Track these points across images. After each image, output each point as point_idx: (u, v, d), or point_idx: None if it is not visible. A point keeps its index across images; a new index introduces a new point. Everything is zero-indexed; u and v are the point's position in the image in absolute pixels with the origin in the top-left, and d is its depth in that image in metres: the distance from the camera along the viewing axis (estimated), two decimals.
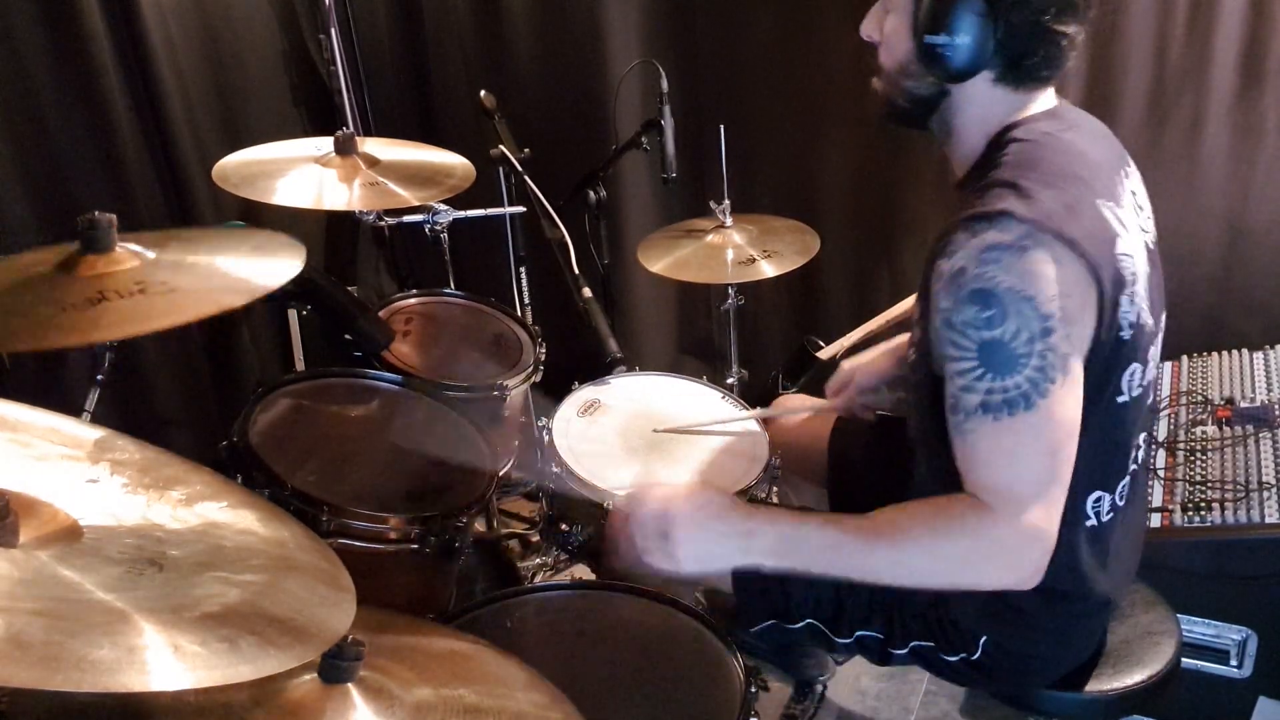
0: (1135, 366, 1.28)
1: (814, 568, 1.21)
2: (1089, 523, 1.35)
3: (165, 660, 0.73)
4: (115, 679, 0.69)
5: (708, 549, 1.24)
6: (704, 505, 1.27)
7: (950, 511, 1.19)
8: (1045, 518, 1.16)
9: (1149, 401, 1.39)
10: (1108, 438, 1.32)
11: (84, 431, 1.03)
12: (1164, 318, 1.39)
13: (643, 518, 1.27)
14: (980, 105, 1.31)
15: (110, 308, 1.21)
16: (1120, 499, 1.38)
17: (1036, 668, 1.44)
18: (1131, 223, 1.28)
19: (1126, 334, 1.23)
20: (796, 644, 1.49)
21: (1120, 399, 1.28)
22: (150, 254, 1.33)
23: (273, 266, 1.38)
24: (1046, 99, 1.33)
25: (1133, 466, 1.39)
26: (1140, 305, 1.26)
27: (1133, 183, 1.39)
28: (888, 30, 1.34)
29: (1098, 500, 1.35)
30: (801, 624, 1.47)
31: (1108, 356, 1.23)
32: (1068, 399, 1.16)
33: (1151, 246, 1.36)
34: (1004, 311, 1.13)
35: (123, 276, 1.27)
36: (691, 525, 1.25)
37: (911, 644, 1.44)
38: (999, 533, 1.16)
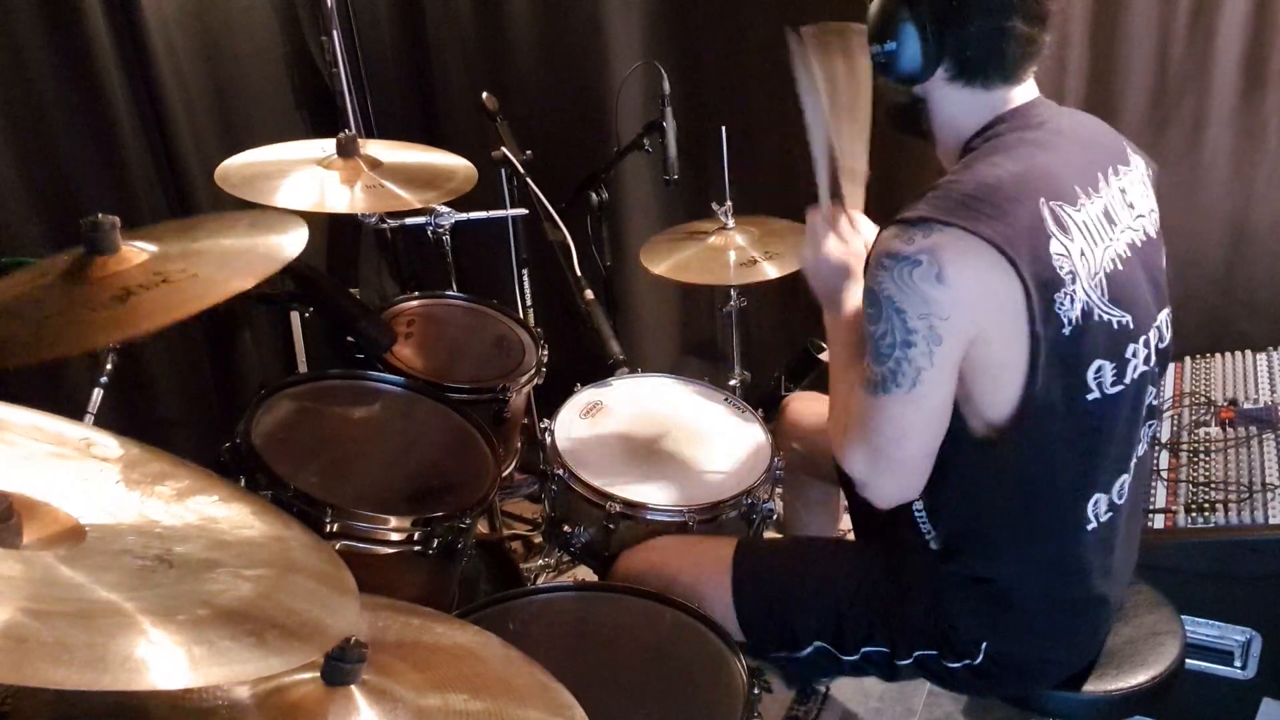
0: (1101, 363, 1.28)
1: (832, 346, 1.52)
2: (1089, 526, 1.36)
3: (181, 659, 0.73)
4: (127, 678, 0.69)
5: (824, 283, 1.53)
6: (841, 269, 1.50)
7: (847, 406, 1.36)
8: (864, 469, 1.32)
9: (1146, 401, 1.39)
10: (1089, 437, 1.32)
11: (66, 428, 1.02)
12: (1161, 316, 1.39)
13: (820, 236, 1.54)
14: (950, 109, 1.35)
15: (142, 300, 1.21)
16: (1119, 497, 1.38)
17: (1039, 671, 1.44)
18: (1096, 223, 1.30)
19: (1068, 330, 1.24)
20: (809, 669, 1.52)
21: (1090, 396, 1.29)
22: (154, 247, 1.33)
23: (280, 240, 1.38)
24: (1023, 93, 1.34)
25: (1132, 463, 1.40)
26: (1089, 302, 1.26)
27: (1124, 180, 1.39)
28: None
29: (1095, 503, 1.35)
30: (809, 649, 1.49)
31: (1055, 354, 1.24)
32: (909, 407, 1.26)
33: (1141, 243, 1.37)
34: (879, 313, 1.25)
35: (138, 271, 1.27)
36: (826, 265, 1.52)
37: (915, 653, 1.45)
38: (846, 442, 1.34)
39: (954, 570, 1.41)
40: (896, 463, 1.31)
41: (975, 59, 1.30)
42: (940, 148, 1.41)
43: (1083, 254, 1.27)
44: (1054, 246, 1.24)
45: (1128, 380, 1.33)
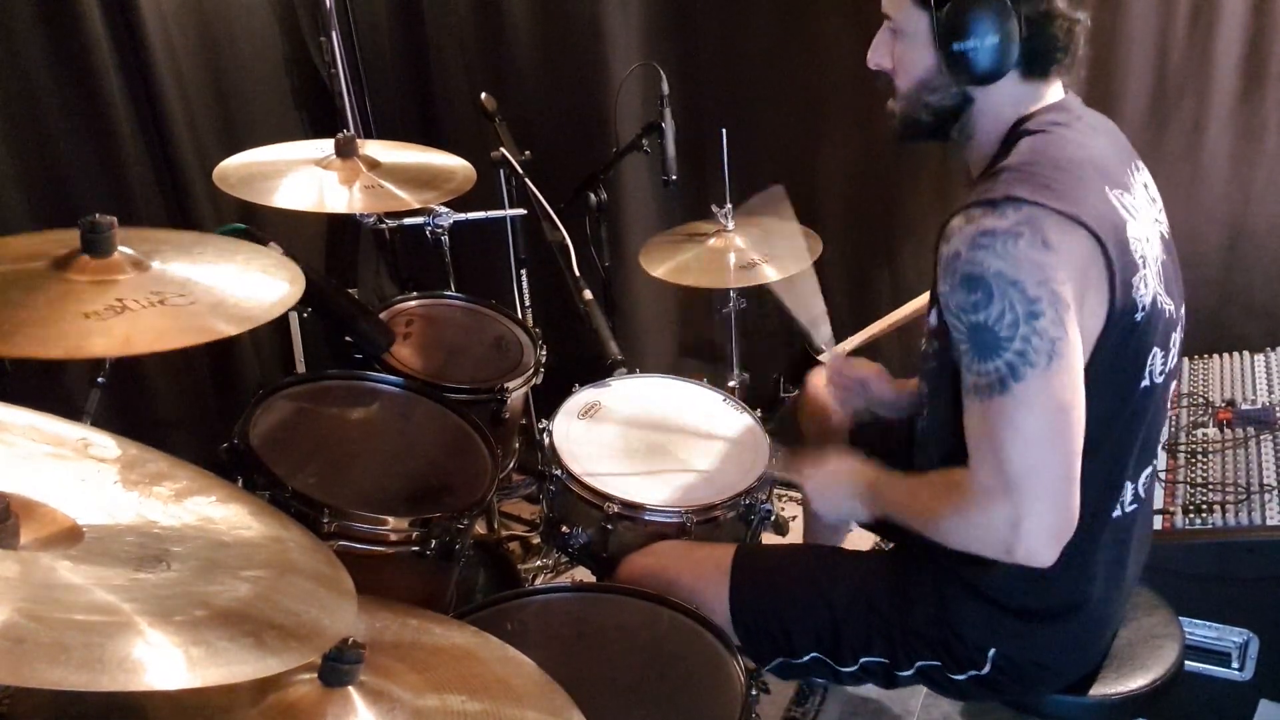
0: (1157, 351, 1.28)
1: (894, 518, 1.36)
2: (1115, 514, 1.34)
3: (178, 660, 0.73)
4: (124, 678, 0.69)
5: (834, 503, 1.46)
6: (834, 473, 1.47)
7: (948, 492, 1.26)
8: (1013, 507, 1.17)
9: (1169, 393, 1.39)
10: (1132, 426, 1.31)
11: (65, 429, 1.02)
12: (1183, 308, 1.39)
13: (812, 469, 1.49)
14: (1002, 103, 1.32)
15: (139, 317, 1.20)
16: (1143, 491, 1.38)
17: (1046, 678, 1.42)
18: (1143, 212, 1.30)
19: (1140, 316, 1.23)
20: (806, 674, 1.51)
21: (1144, 384, 1.29)
22: (153, 263, 1.32)
23: (272, 284, 1.37)
24: (1055, 91, 1.34)
25: (1157, 456, 1.40)
26: (1155, 289, 1.26)
27: (1144, 176, 1.39)
28: (900, 54, 1.34)
29: (1124, 492, 1.35)
30: (807, 658, 1.48)
31: (1126, 337, 1.23)
32: (1053, 383, 1.15)
33: (1166, 236, 1.37)
34: (990, 295, 1.15)
35: (135, 285, 1.26)
36: (822, 483, 1.48)
37: (917, 664, 1.43)
38: (974, 518, 1.22)
39: (968, 570, 1.37)
40: (1044, 478, 1.17)
41: (1049, 52, 1.27)
42: (974, 145, 1.36)
43: (1147, 239, 1.26)
44: (1130, 230, 1.23)
45: (1168, 369, 1.33)
